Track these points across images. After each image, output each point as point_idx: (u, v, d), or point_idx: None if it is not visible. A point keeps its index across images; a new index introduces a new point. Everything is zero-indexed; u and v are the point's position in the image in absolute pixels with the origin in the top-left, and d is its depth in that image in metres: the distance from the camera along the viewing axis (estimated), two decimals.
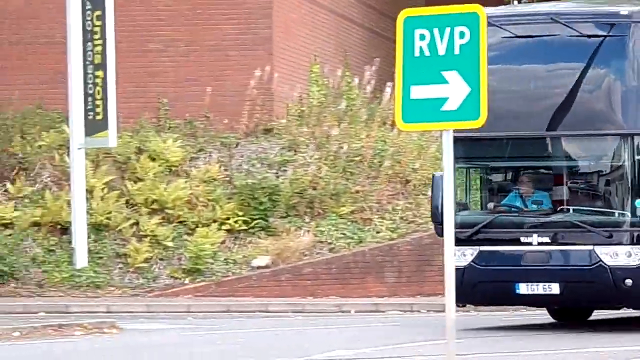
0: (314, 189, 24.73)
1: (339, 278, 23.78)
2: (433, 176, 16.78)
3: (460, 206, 16.35)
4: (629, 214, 15.59)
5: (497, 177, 17.37)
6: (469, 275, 15.77)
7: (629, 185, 15.66)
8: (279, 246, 23.86)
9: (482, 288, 16.12)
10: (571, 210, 16.03)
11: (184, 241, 24.30)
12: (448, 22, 8.40)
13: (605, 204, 16.21)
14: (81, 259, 23.49)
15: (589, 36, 15.81)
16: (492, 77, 14.07)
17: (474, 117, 8.39)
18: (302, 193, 24.61)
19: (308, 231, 24.28)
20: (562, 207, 16.19)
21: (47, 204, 24.29)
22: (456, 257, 14.27)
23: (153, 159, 25.30)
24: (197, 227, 24.27)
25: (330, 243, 24.14)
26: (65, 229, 24.11)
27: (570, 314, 17.75)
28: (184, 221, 24.53)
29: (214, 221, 24.69)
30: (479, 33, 8.33)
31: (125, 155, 25.39)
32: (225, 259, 24.27)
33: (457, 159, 14.83)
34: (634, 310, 17.00)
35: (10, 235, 23.73)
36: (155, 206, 24.67)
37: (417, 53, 8.44)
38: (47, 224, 24.25)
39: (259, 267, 23.80)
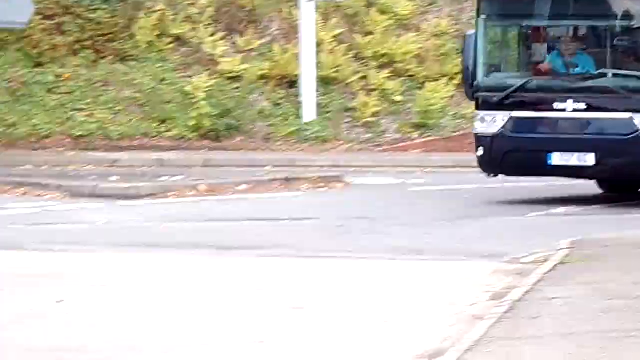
0: None
1: None
2: (465, 35, 16.29)
3: (492, 67, 15.82)
4: None
5: (533, 37, 16.19)
6: (499, 143, 15.30)
7: None
8: None
9: (512, 157, 15.49)
10: (610, 75, 15.21)
11: (412, 95, 24.17)
12: None
13: None
14: (309, 113, 23.58)
15: None
16: None
17: None
18: None
19: None
20: (599, 70, 15.32)
21: (276, 57, 24.43)
22: (486, 124, 15.25)
23: (383, 13, 24.99)
24: (426, 81, 24.08)
25: None
26: (293, 83, 24.23)
27: (619, 185, 16.54)
28: (413, 75, 24.34)
29: (444, 76, 24.59)
30: None
31: (354, 9, 25.18)
32: (454, 114, 24.18)
33: (489, 15, 15.35)
34: None
35: (237, 88, 24.00)
36: (384, 60, 24.49)
37: None
38: (275, 78, 24.39)
39: None
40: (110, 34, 24.84)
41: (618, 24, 15.28)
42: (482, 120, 15.42)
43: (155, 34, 24.77)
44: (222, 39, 24.66)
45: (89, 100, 23.99)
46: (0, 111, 24.29)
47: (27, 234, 13.90)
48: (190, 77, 24.47)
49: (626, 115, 14.89)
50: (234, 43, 24.96)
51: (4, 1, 19.91)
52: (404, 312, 7.93)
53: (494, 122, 15.33)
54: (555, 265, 9.37)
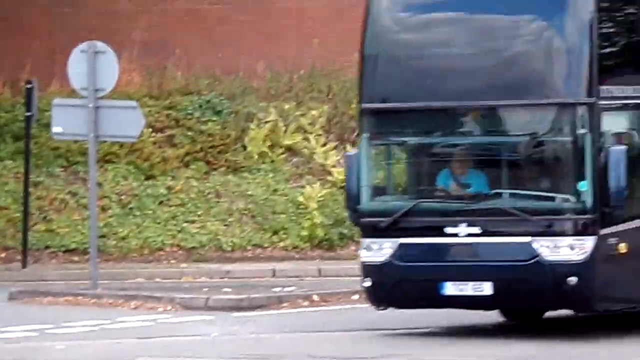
0: None
1: None
2: (346, 156, 16.00)
3: (378, 190, 15.03)
4: (571, 198, 14.21)
5: (421, 156, 15.49)
6: (387, 273, 14.49)
7: (572, 164, 14.36)
8: None
9: (402, 288, 14.67)
10: (505, 195, 14.63)
11: None
12: None
13: (544, 187, 14.61)
14: None
15: None
16: (415, 36, 14.82)
17: None
18: None
19: None
20: (494, 190, 14.71)
21: None
22: (372, 252, 14.41)
23: None
24: None
25: None
26: None
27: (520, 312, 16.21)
28: None
29: None
30: None
31: None
32: None
33: (373, 134, 14.66)
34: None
35: None
36: None
37: None
38: None
39: None
40: (222, 145, 25.84)
41: (513, 139, 14.85)
42: (368, 248, 14.80)
43: (267, 144, 25.66)
44: (333, 148, 25.42)
45: (200, 212, 24.91)
46: (112, 224, 25.42)
47: (139, 347, 14.63)
48: (302, 187, 25.20)
49: (525, 239, 14.17)
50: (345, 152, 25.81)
51: (111, 116, 20.89)
52: None
53: (380, 249, 14.69)
54: None
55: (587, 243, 13.84)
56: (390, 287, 14.55)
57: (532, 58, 14.42)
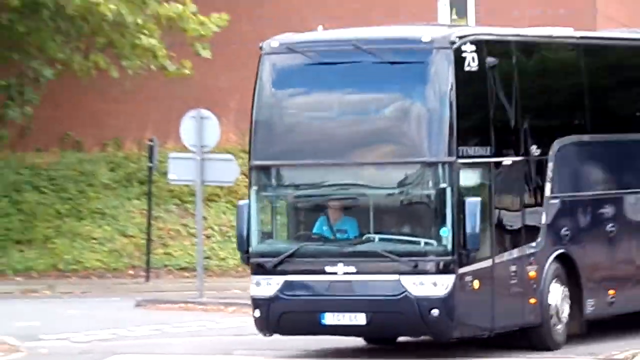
0: None
1: None
2: (237, 205, 15.77)
3: (265, 234, 15.16)
4: (434, 242, 14.23)
5: (302, 205, 15.54)
6: (274, 305, 14.72)
7: (434, 213, 14.32)
8: None
9: (288, 318, 14.86)
10: (377, 239, 14.68)
11: None
12: None
13: (410, 232, 14.64)
14: None
15: (391, 62, 14.64)
16: (294, 104, 14.94)
17: None
18: None
19: None
20: (367, 235, 14.78)
21: None
22: (261, 287, 14.67)
23: None
24: None
25: None
26: None
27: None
28: None
29: None
30: None
31: None
32: None
33: (261, 186, 14.88)
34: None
35: None
36: None
37: None
38: None
39: None
40: None
41: (384, 191, 14.82)
42: (258, 284, 14.91)
43: None
44: None
45: None
46: (214, 248, 27.85)
47: (235, 343, 16.52)
48: None
49: (394, 277, 14.25)
50: None
51: (214, 166, 22.62)
52: None
53: (268, 285, 14.83)
54: None
55: (448, 280, 13.96)
56: (277, 317, 14.67)
57: (400, 123, 14.54)
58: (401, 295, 14.04)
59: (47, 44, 28.04)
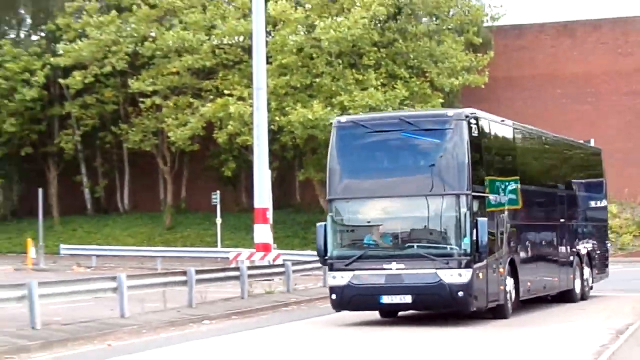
0: None
1: None
2: (317, 225, 20.81)
3: (341, 245, 20.44)
4: (458, 248, 19.33)
5: (363, 224, 20.81)
6: (347, 291, 20.04)
7: (459, 229, 19.30)
8: None
9: (356, 299, 20.17)
10: (415, 246, 19.81)
11: None
12: None
13: (443, 241, 19.68)
14: None
15: (426, 130, 19.94)
16: (357, 160, 20.44)
17: None
18: None
19: None
20: (410, 244, 19.97)
21: None
22: (337, 279, 20.12)
23: None
24: None
25: None
26: None
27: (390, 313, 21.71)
28: None
29: None
30: None
31: None
32: None
33: (335, 214, 20.34)
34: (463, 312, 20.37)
35: None
36: None
37: None
38: None
39: None
40: None
41: (420, 214, 19.79)
42: (334, 277, 20.28)
43: None
44: None
45: None
46: None
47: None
48: None
49: (432, 270, 19.40)
50: None
51: None
52: None
53: (342, 278, 20.08)
54: None
55: (468, 273, 19.25)
56: (348, 299, 20.17)
57: (434, 169, 19.67)
58: (438, 283, 19.33)
59: None
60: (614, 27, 53.43)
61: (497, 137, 21.81)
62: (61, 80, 53.47)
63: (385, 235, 20.31)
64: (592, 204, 28.57)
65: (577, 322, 20.80)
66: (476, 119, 20.23)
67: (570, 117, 49.94)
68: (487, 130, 21.02)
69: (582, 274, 26.41)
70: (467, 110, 20.25)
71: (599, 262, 28.39)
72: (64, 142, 56.30)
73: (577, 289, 25.91)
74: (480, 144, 20.27)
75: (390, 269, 19.70)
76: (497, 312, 20.77)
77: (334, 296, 20.24)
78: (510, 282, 21.24)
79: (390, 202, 20.31)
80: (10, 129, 54.59)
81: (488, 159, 20.82)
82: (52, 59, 52.57)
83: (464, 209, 19.21)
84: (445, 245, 19.55)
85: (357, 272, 19.97)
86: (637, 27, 52.78)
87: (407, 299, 19.71)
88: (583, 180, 28.18)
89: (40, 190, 45.94)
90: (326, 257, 20.28)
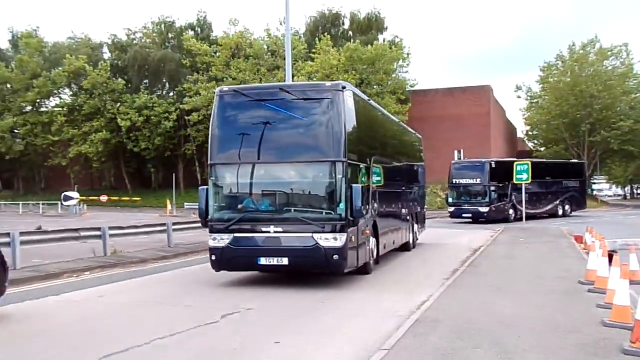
0: None
1: None
2: (199, 189, 19.42)
3: (221, 208, 19.21)
4: (334, 213, 18.32)
5: (242, 190, 19.29)
6: (226, 252, 18.98)
7: (335, 194, 18.24)
8: None
9: (235, 261, 19.07)
10: (293, 210, 18.62)
11: None
12: None
13: (319, 206, 18.57)
14: None
15: (305, 99, 18.84)
16: (241, 124, 19.12)
17: None
18: None
19: None
20: (288, 208, 18.76)
21: None
22: (217, 241, 18.90)
23: None
24: None
25: None
26: None
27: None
28: None
29: None
30: None
31: None
32: None
33: (214, 177, 19.16)
34: (337, 274, 19.52)
35: None
36: None
37: None
38: None
39: None
40: None
41: (299, 180, 18.86)
42: (214, 239, 19.08)
43: None
44: None
45: None
46: None
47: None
48: None
49: (308, 234, 18.34)
50: None
51: None
52: None
53: (222, 239, 18.93)
54: None
55: (342, 237, 18.21)
56: (228, 260, 19.03)
57: (311, 136, 18.70)
58: (314, 246, 18.38)
59: None
60: (475, 90, 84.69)
61: (365, 113, 21.33)
62: (186, 117, 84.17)
63: (264, 199, 19.07)
64: (419, 176, 32.27)
65: (433, 258, 25.00)
66: (351, 92, 19.54)
67: (450, 136, 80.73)
68: (359, 104, 20.30)
69: (413, 229, 29.55)
70: (343, 82, 19.38)
71: (422, 220, 32.57)
72: (186, 149, 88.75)
73: (411, 241, 28.80)
74: (353, 115, 19.51)
75: (269, 231, 18.63)
76: (362, 269, 20.43)
77: (213, 257, 19.21)
78: (373, 241, 21.19)
79: (268, 168, 19.04)
80: (158, 142, 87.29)
81: (359, 130, 20.02)
82: (180, 105, 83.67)
83: (339, 176, 18.25)
84: (321, 210, 18.55)
85: (236, 235, 18.94)
86: (486, 90, 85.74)
87: (284, 261, 18.66)
88: (413, 159, 31.16)
89: (173, 175, 77.57)
90: (207, 219, 19.28)
